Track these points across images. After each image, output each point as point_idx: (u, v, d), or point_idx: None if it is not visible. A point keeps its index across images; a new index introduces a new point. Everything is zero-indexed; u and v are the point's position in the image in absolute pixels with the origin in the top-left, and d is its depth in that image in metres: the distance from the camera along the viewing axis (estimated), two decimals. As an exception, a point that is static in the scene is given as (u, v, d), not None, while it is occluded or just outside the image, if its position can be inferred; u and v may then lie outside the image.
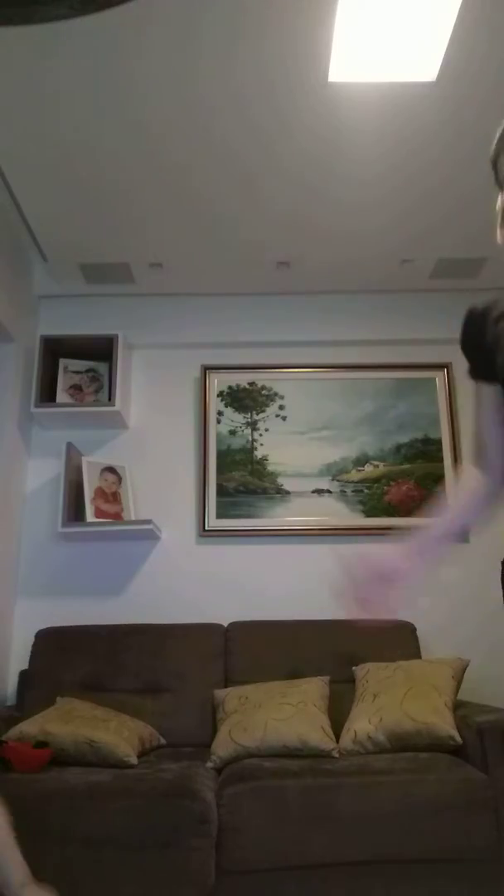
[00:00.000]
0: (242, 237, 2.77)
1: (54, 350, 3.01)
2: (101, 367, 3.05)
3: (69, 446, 2.80)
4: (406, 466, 3.00)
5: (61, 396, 2.99)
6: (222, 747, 2.05)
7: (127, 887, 1.63)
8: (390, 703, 2.08)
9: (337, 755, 2.00)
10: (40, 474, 2.97)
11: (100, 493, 2.81)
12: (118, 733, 2.04)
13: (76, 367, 3.06)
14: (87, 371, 3.06)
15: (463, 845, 1.72)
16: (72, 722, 2.05)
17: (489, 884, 1.71)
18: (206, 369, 3.09)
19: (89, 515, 2.73)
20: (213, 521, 2.92)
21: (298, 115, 2.12)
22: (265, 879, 1.70)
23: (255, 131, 2.19)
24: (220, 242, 2.81)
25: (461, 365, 1.15)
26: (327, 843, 1.70)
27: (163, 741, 2.29)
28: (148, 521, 2.74)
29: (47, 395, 2.94)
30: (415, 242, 2.81)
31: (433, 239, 2.77)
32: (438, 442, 3.02)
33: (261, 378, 3.12)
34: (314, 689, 2.24)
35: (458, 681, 2.20)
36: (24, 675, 2.51)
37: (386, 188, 2.47)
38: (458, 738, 1.95)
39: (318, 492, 2.97)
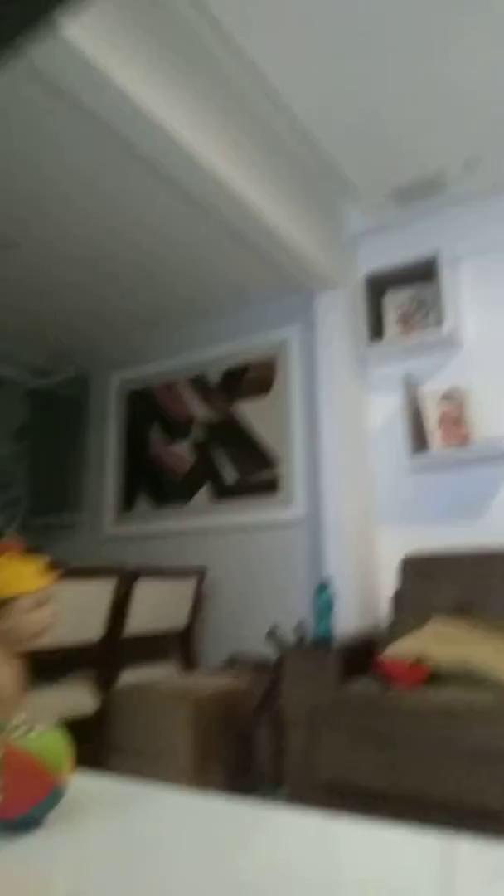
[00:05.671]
0: None
1: (377, 285, 3.02)
2: (427, 291, 2.96)
3: (405, 378, 2.80)
4: None
5: (390, 330, 2.99)
6: None
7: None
8: None
9: None
10: (381, 410, 3.04)
11: (442, 420, 2.75)
12: (494, 656, 2.00)
13: (401, 297, 3.02)
14: (413, 298, 3.00)
15: None
16: (446, 643, 2.09)
17: None
18: (544, 266, 2.75)
19: (434, 444, 2.70)
20: None
21: None
22: None
23: None
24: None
25: None
26: None
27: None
28: (499, 441, 2.59)
29: (376, 332, 2.97)
30: None
31: None
32: None
33: None
34: None
35: None
36: (395, 599, 2.64)
37: None
38: None
39: None
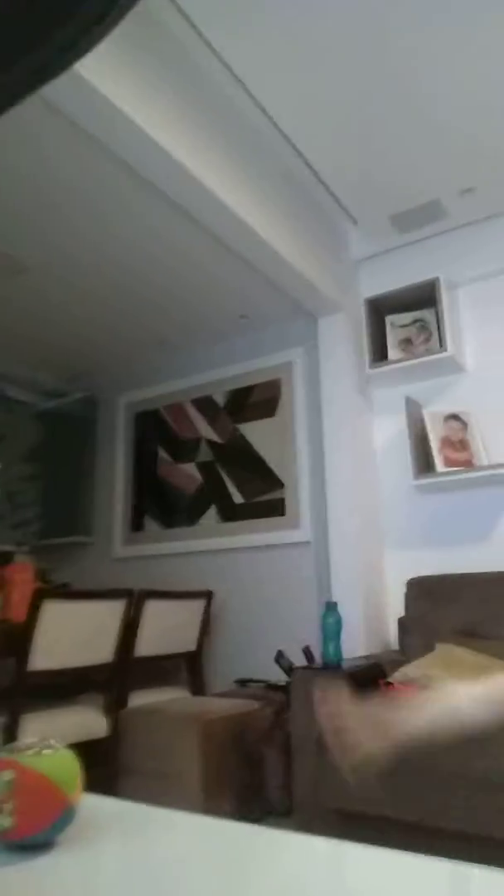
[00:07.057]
0: None
1: (379, 309, 3.07)
2: (428, 315, 3.00)
3: (408, 400, 2.83)
4: None
5: (393, 353, 3.03)
6: None
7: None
8: None
9: None
10: (386, 432, 3.07)
11: (446, 442, 2.77)
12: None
13: (402, 320, 3.06)
14: (414, 322, 3.04)
15: None
16: (453, 668, 2.09)
17: None
18: (544, 289, 2.79)
19: (439, 466, 2.72)
20: None
21: None
22: None
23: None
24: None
25: None
26: None
27: (553, 689, 2.17)
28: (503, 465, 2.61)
29: (379, 354, 3.01)
30: None
31: None
32: None
33: None
34: None
35: None
36: (401, 622, 2.64)
37: None
38: None
39: None
